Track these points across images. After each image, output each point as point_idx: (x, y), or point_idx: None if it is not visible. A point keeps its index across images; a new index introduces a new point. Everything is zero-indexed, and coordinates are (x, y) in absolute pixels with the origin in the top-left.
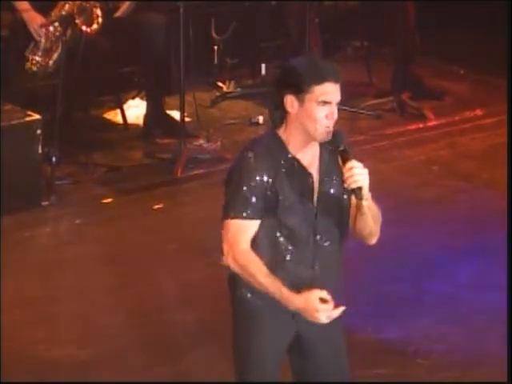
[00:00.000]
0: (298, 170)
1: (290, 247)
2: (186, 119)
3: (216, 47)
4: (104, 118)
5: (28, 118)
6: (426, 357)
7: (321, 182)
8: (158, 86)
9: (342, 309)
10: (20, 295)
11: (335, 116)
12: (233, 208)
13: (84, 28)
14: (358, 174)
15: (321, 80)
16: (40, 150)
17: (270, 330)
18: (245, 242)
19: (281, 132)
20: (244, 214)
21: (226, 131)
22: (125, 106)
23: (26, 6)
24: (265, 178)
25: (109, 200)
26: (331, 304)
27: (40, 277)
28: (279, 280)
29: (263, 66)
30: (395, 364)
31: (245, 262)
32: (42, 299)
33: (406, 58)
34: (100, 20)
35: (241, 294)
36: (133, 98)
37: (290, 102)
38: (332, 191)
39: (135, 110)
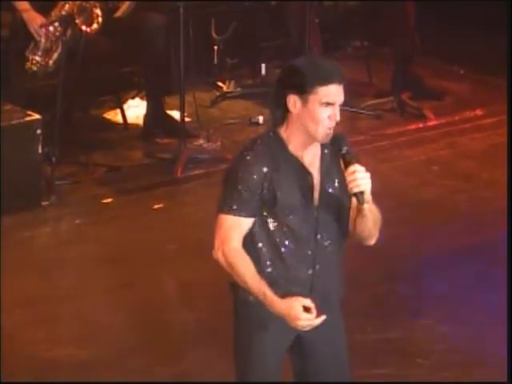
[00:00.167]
0: (298, 169)
1: (291, 246)
2: (186, 119)
3: (216, 47)
4: (104, 118)
5: (28, 118)
6: (426, 357)
7: (321, 182)
8: (157, 86)
9: (323, 317)
10: (20, 295)
11: (338, 117)
12: (228, 204)
13: (84, 28)
14: (360, 179)
15: (325, 81)
16: (40, 150)
17: (270, 330)
18: (237, 239)
19: (282, 131)
20: (238, 211)
21: (226, 131)
22: (125, 106)
23: (25, 5)
24: (263, 177)
25: (109, 200)
26: (314, 312)
27: (40, 277)
28: (266, 283)
29: (263, 65)
30: (395, 364)
31: (234, 260)
32: (41, 299)
33: (406, 58)
34: (100, 20)
35: (242, 295)
36: (133, 97)
37: (293, 101)
38: (333, 192)
39: (135, 109)
